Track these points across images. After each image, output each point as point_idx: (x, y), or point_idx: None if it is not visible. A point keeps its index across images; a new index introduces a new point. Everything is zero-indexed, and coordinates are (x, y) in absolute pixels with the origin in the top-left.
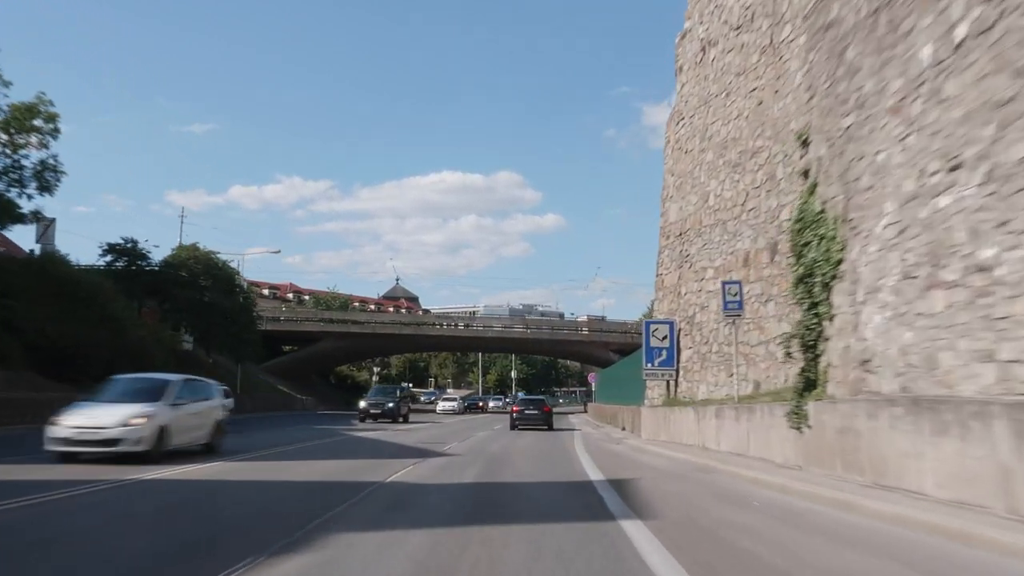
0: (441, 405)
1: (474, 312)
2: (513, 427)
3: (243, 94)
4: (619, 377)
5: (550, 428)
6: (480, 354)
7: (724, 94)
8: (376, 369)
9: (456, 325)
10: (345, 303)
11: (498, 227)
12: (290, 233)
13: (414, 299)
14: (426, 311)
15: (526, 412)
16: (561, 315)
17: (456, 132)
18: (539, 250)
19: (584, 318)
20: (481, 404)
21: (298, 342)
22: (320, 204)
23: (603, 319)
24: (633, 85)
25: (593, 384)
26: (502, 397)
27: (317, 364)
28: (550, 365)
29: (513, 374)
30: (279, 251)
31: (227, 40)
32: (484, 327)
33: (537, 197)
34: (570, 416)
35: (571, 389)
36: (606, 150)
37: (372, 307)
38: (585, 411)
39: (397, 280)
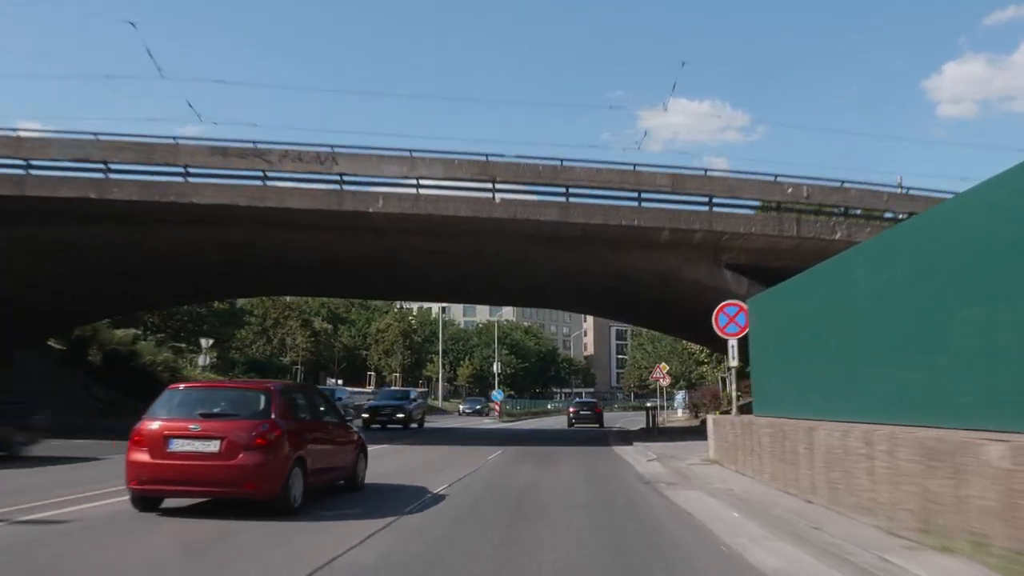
0: None
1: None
2: (571, 424)
3: (241, 97)
4: None
5: (601, 425)
6: (440, 335)
7: None
8: (206, 343)
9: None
10: None
11: None
12: None
13: None
14: None
15: (581, 412)
16: None
17: (454, 134)
18: None
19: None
20: (398, 413)
21: None
22: None
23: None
24: (628, 89)
25: (743, 328)
26: (481, 400)
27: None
28: (548, 358)
29: (496, 367)
30: None
31: (226, 43)
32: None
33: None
34: (620, 457)
35: (575, 390)
36: (601, 154)
37: None
38: (648, 431)
39: None
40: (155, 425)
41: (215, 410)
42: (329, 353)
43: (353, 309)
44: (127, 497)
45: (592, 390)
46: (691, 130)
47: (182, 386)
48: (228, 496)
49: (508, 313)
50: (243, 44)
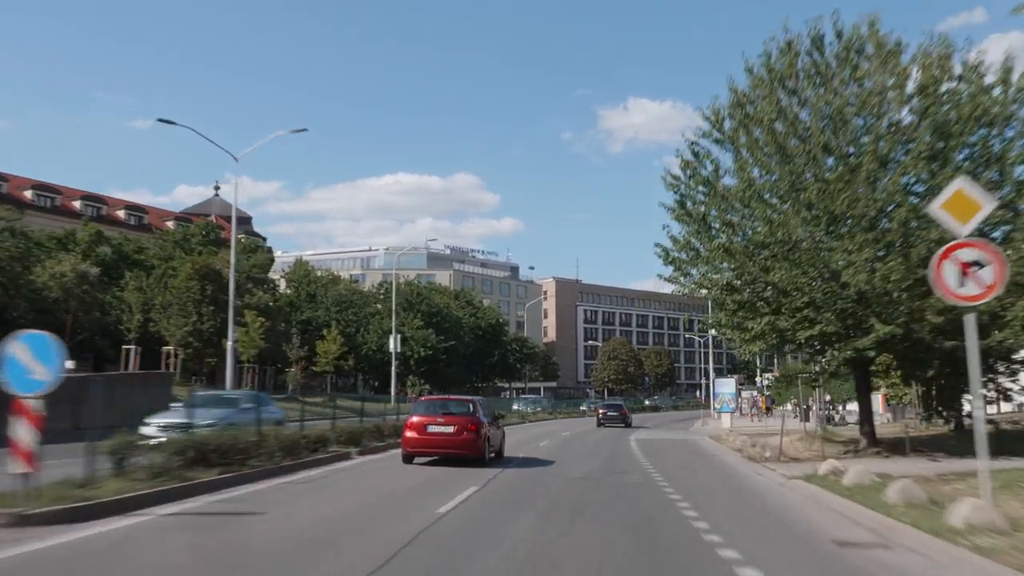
0: None
1: (369, 253)
2: (600, 424)
3: (188, 91)
4: None
5: (628, 426)
6: (233, 274)
7: None
8: None
9: None
10: None
11: (455, 230)
12: None
13: (245, 219)
14: (255, 235)
15: (608, 414)
16: (515, 268)
17: (412, 133)
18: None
19: None
20: None
21: None
22: (270, 205)
23: None
24: (590, 88)
25: None
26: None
27: None
28: (491, 336)
29: (393, 344)
30: None
31: (169, 34)
32: None
33: (495, 200)
34: None
35: (532, 385)
36: (562, 153)
37: (170, 224)
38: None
39: (216, 191)
40: (416, 419)
41: (448, 410)
42: (94, 316)
43: (179, 252)
44: (395, 452)
45: (554, 384)
46: (651, 130)
47: (427, 398)
48: (456, 455)
49: (444, 277)
50: None
